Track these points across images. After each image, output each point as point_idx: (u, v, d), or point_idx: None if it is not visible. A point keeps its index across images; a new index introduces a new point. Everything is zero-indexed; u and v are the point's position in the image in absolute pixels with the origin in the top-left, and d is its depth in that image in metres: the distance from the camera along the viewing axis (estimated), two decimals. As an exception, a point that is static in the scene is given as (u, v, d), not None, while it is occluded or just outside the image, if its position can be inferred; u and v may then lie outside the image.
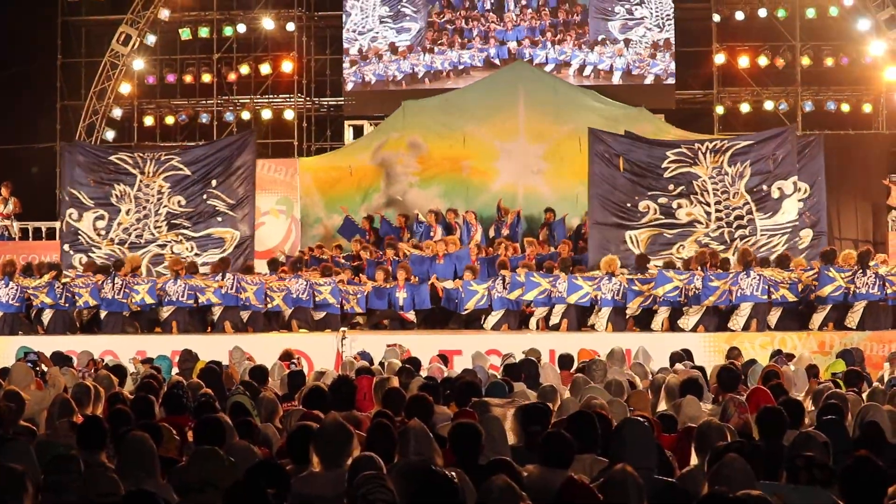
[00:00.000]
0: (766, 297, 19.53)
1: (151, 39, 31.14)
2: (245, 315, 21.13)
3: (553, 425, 8.36)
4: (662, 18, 29.64)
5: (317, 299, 21.19)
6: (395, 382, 10.97)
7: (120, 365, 14.88)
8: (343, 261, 23.59)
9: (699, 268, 19.91)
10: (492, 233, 25.03)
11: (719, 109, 30.20)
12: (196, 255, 22.52)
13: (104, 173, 23.25)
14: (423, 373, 13.74)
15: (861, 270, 19.55)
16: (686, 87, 30.80)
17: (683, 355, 15.26)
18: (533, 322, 21.16)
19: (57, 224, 25.73)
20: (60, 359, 15.54)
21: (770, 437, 8.17)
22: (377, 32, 30.83)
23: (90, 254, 22.76)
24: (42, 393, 11.67)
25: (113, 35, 30.89)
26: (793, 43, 29.79)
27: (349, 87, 30.96)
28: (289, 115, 31.70)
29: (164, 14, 30.77)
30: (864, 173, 26.15)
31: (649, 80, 29.76)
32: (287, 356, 15.99)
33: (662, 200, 21.53)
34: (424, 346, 17.91)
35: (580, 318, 20.77)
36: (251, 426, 9.02)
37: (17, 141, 30.83)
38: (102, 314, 21.21)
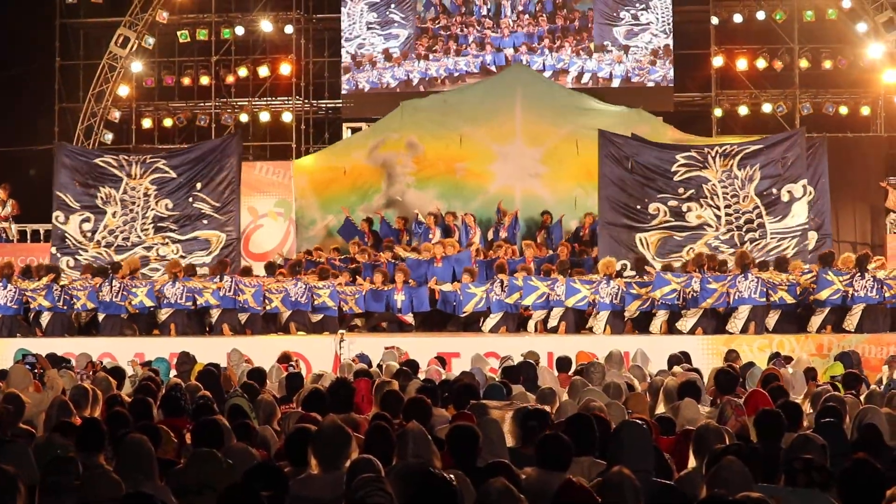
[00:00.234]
0: (764, 299, 19.53)
1: (150, 42, 31.12)
2: (243, 317, 21.14)
3: (551, 428, 8.35)
4: (666, 24, 29.62)
5: (315, 303, 21.19)
6: (395, 385, 10.98)
7: (118, 367, 14.88)
8: (339, 263, 23.57)
9: (697, 270, 19.91)
10: (490, 235, 25.01)
11: (717, 112, 30.19)
12: (182, 257, 22.58)
13: (89, 176, 23.34)
14: (422, 375, 13.75)
15: (859, 273, 19.56)
16: (684, 89, 30.80)
17: (681, 358, 15.26)
18: (531, 325, 21.16)
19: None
20: (56, 361, 15.53)
21: (768, 440, 8.18)
22: (364, 39, 30.82)
23: (77, 256, 22.82)
24: (40, 395, 11.67)
25: (111, 37, 30.88)
26: (791, 45, 29.79)
27: (344, 93, 30.97)
28: (287, 117, 31.69)
29: (163, 16, 30.75)
30: (863, 176, 26.20)
31: (649, 86, 29.73)
32: (285, 358, 16.01)
33: (672, 203, 21.55)
34: (423, 348, 17.90)
35: (578, 320, 20.79)
36: (249, 428, 9.02)
37: (15, 143, 30.82)
38: (100, 317, 21.21)
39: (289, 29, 31.47)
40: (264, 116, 31.79)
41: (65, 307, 21.09)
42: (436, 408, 9.92)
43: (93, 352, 17.73)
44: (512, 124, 26.09)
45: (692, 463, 7.81)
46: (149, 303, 20.98)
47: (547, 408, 9.82)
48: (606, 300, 20.30)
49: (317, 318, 21.30)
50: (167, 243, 22.92)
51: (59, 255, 22.92)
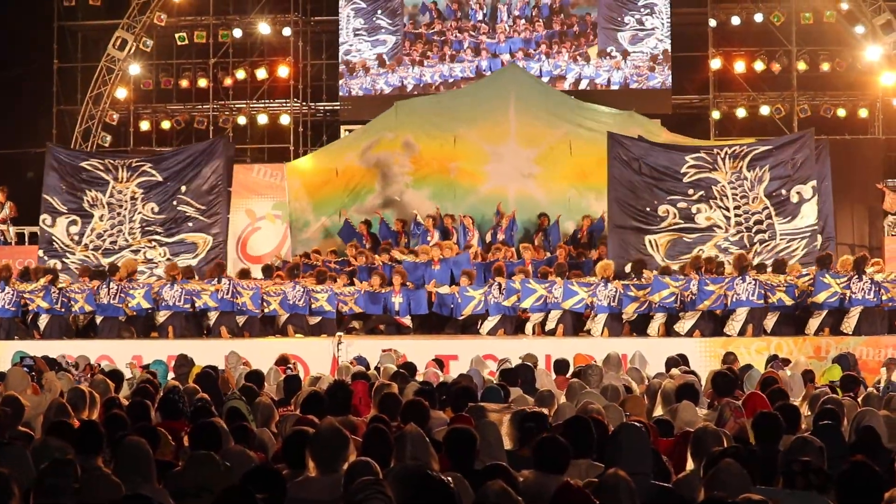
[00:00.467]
0: (762, 301, 19.53)
1: (147, 44, 31.12)
2: (241, 320, 21.13)
3: (549, 430, 8.35)
4: (667, 27, 29.60)
5: (313, 306, 21.18)
6: (394, 388, 10.97)
7: (116, 370, 14.88)
8: (336, 266, 23.53)
9: (694, 272, 19.91)
10: (488, 238, 24.99)
11: (715, 114, 30.20)
12: (168, 259, 22.59)
13: (76, 179, 23.37)
14: (420, 378, 13.75)
15: (857, 276, 19.56)
16: (682, 91, 30.81)
17: (679, 360, 15.25)
18: (529, 327, 21.16)
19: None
20: (51, 364, 15.51)
21: (766, 443, 8.18)
22: (351, 45, 30.83)
23: (64, 259, 22.85)
24: (38, 398, 11.65)
25: (109, 40, 30.90)
26: (789, 48, 29.81)
27: (341, 96, 30.96)
28: (285, 119, 31.68)
29: (161, 19, 30.75)
30: (861, 178, 26.23)
31: (646, 89, 29.70)
32: (283, 361, 16.00)
33: (682, 205, 21.55)
34: (420, 351, 17.88)
35: (576, 323, 20.79)
36: (247, 431, 9.01)
37: (13, 145, 30.82)
38: (98, 319, 21.21)
39: (287, 31, 31.49)
40: (262, 119, 31.79)
41: (62, 309, 21.09)
42: (434, 410, 9.92)
43: (91, 354, 17.74)
44: (506, 125, 26.00)
45: (690, 465, 7.82)
46: (146, 304, 20.98)
47: (545, 410, 9.82)
48: (604, 303, 20.29)
49: (315, 320, 21.30)
50: (154, 246, 22.95)
51: (45, 257, 22.96)
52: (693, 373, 13.92)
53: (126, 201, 23.13)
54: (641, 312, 20.33)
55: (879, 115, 30.06)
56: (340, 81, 30.89)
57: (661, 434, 9.42)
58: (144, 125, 31.98)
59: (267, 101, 32.07)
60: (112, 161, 23.66)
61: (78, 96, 31.40)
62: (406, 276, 22.03)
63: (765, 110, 30.16)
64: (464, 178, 26.23)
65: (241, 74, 31.50)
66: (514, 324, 21.34)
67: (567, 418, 8.51)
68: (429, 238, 24.39)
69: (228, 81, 31.62)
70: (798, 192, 21.38)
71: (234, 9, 31.93)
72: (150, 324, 21.38)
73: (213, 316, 21.16)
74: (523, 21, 30.34)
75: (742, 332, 19.45)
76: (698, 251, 21.07)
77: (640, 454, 7.25)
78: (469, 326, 21.61)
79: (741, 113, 30.35)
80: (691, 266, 20.12)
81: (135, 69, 31.29)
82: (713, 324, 19.88)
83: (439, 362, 16.04)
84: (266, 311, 21.19)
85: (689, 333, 19.67)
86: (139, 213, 23.05)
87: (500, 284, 21.09)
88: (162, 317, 21.10)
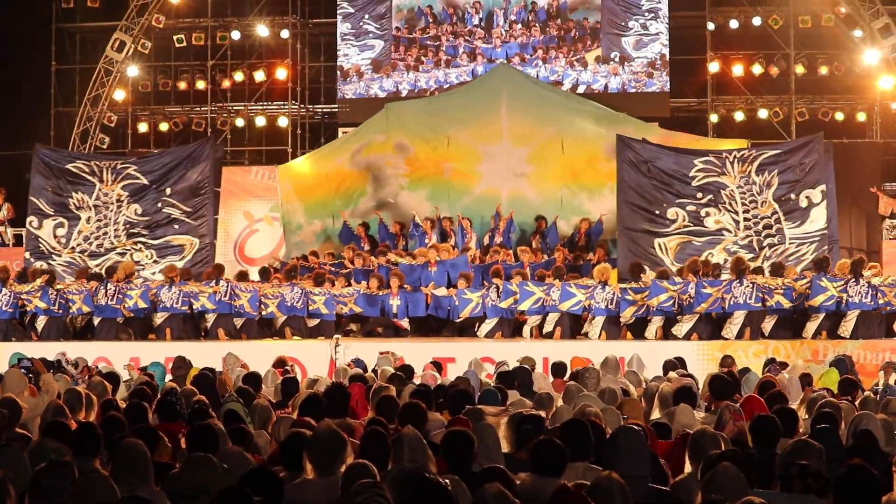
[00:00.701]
0: (759, 304, 19.53)
1: (146, 46, 31.12)
2: (239, 322, 21.12)
3: (546, 433, 8.35)
4: (667, 31, 29.62)
5: (310, 308, 21.16)
6: (392, 390, 10.97)
7: (112, 372, 14.87)
8: (332, 268, 23.52)
9: (692, 275, 19.90)
10: (486, 240, 24.96)
11: (713, 118, 30.22)
12: (155, 262, 22.63)
13: (63, 181, 23.37)
14: (417, 380, 13.74)
15: (854, 279, 19.56)
16: (680, 95, 30.84)
17: (677, 364, 15.25)
18: (526, 330, 21.13)
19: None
20: (50, 364, 15.51)
21: (763, 446, 8.18)
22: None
23: (50, 261, 22.83)
24: (36, 399, 11.65)
25: (107, 41, 30.91)
26: (787, 51, 29.82)
27: (340, 98, 30.96)
28: (283, 122, 31.69)
29: (159, 20, 30.75)
30: (859, 182, 26.25)
31: (644, 92, 29.69)
32: (280, 363, 15.99)
33: (691, 208, 21.54)
34: (418, 353, 17.86)
35: (574, 326, 20.78)
36: (245, 433, 9.01)
37: (11, 147, 30.79)
38: (96, 321, 21.19)
39: (285, 34, 31.51)
40: (260, 121, 31.80)
41: (60, 311, 21.09)
42: (431, 413, 9.91)
43: (88, 356, 17.73)
44: (498, 125, 25.89)
45: (688, 468, 7.82)
46: (143, 304, 20.96)
47: (543, 413, 9.82)
48: (602, 305, 20.29)
49: (313, 322, 21.28)
50: (140, 249, 22.95)
51: (32, 259, 22.97)
52: (691, 376, 13.91)
53: (111, 204, 23.14)
54: (639, 316, 20.33)
55: (877, 118, 30.08)
56: (338, 84, 30.89)
57: (658, 437, 9.42)
58: (142, 127, 32.00)
59: (265, 103, 32.08)
60: (97, 163, 23.65)
61: (76, 98, 31.42)
62: (404, 278, 22.01)
63: (763, 114, 30.18)
64: (458, 178, 26.16)
65: (239, 76, 31.52)
66: (511, 326, 21.31)
67: (564, 421, 8.50)
68: (427, 240, 24.37)
69: (226, 83, 31.64)
70: (807, 197, 21.38)
71: (233, 11, 31.93)
72: (147, 325, 21.37)
73: (210, 318, 21.14)
74: (520, 26, 30.27)
75: (740, 336, 19.45)
76: (708, 255, 21.08)
77: (638, 457, 7.25)
78: (466, 329, 21.60)
79: (739, 116, 30.38)
80: (689, 269, 20.11)
81: (133, 71, 31.30)
82: (711, 327, 19.87)
83: (437, 365, 16.03)
84: (264, 313, 21.18)
85: (687, 336, 19.66)
86: (123, 214, 23.06)
87: (497, 287, 21.08)
88: (159, 318, 21.08)
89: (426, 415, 9.30)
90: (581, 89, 29.61)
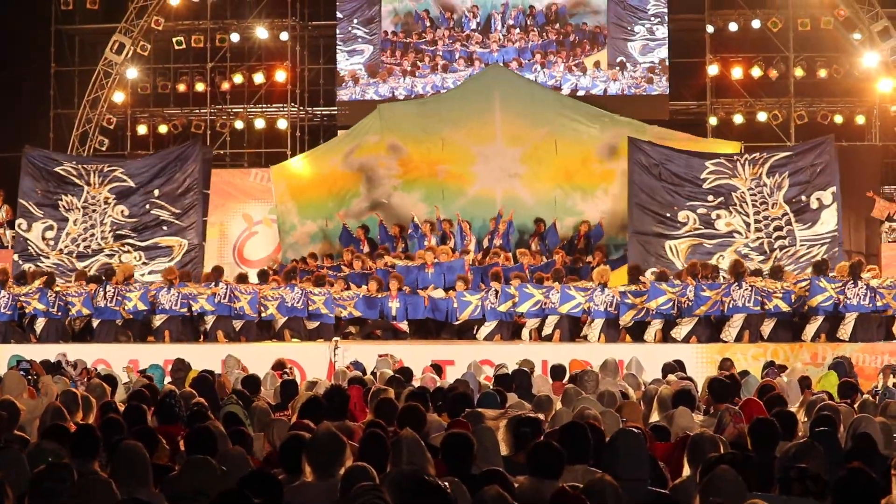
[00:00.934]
0: (758, 308, 19.53)
1: (145, 48, 31.10)
2: (238, 324, 21.11)
3: (545, 436, 8.35)
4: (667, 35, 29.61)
5: (310, 308, 21.14)
6: (391, 393, 10.97)
7: (110, 374, 14.87)
8: (330, 271, 23.50)
9: (691, 278, 19.91)
10: (485, 243, 24.95)
11: (713, 120, 30.23)
12: (144, 263, 22.68)
13: (52, 184, 23.43)
14: (416, 383, 13.74)
15: (853, 282, 19.56)
16: (679, 98, 30.85)
17: (676, 366, 15.24)
18: (525, 332, 21.13)
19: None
20: (49, 365, 15.51)
21: (762, 449, 8.18)
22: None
23: (38, 263, 22.87)
24: (34, 402, 11.64)
25: (106, 43, 30.88)
26: (786, 54, 29.83)
27: (339, 100, 30.94)
28: (282, 124, 31.67)
29: (158, 23, 30.74)
30: (858, 185, 26.21)
31: (644, 95, 29.68)
32: (279, 366, 15.98)
33: (702, 211, 21.59)
34: (417, 356, 17.89)
35: (573, 328, 20.77)
36: (244, 435, 9.01)
37: (9, 149, 30.71)
38: (95, 323, 21.19)
39: (284, 36, 31.50)
40: (259, 123, 31.78)
41: (59, 313, 21.09)
42: (430, 415, 9.91)
43: (87, 358, 17.70)
44: (492, 126, 25.80)
45: (687, 471, 7.82)
46: (143, 306, 20.95)
47: (542, 416, 9.82)
48: (601, 308, 20.28)
49: (313, 325, 21.26)
50: (129, 250, 23.00)
51: (20, 262, 23.02)
52: (690, 379, 13.90)
53: (99, 206, 23.20)
54: (639, 319, 20.32)
55: (876, 121, 30.09)
56: (336, 88, 30.88)
57: (657, 440, 9.42)
58: (142, 129, 31.99)
59: (264, 105, 32.06)
60: (85, 166, 23.72)
61: (75, 100, 31.39)
62: (403, 280, 22.00)
63: (762, 117, 30.19)
64: (452, 180, 26.13)
65: (238, 79, 31.50)
66: (510, 329, 21.32)
67: (563, 424, 8.50)
68: (426, 242, 24.36)
69: (226, 86, 31.63)
70: (818, 199, 21.42)
71: (232, 13, 31.91)
72: (146, 328, 21.37)
73: (209, 320, 21.13)
74: (517, 30, 30.22)
75: (739, 339, 19.45)
76: (718, 257, 21.10)
77: (637, 460, 7.25)
78: (466, 331, 21.60)
79: (738, 119, 30.39)
80: (688, 272, 20.12)
81: (132, 73, 31.29)
82: (710, 330, 19.87)
83: (437, 367, 16.04)
84: (264, 315, 21.17)
85: (686, 339, 19.66)
86: (109, 215, 23.08)
87: (496, 289, 21.07)
88: (158, 321, 21.08)
89: (425, 417, 9.29)
90: (580, 94, 29.51)
